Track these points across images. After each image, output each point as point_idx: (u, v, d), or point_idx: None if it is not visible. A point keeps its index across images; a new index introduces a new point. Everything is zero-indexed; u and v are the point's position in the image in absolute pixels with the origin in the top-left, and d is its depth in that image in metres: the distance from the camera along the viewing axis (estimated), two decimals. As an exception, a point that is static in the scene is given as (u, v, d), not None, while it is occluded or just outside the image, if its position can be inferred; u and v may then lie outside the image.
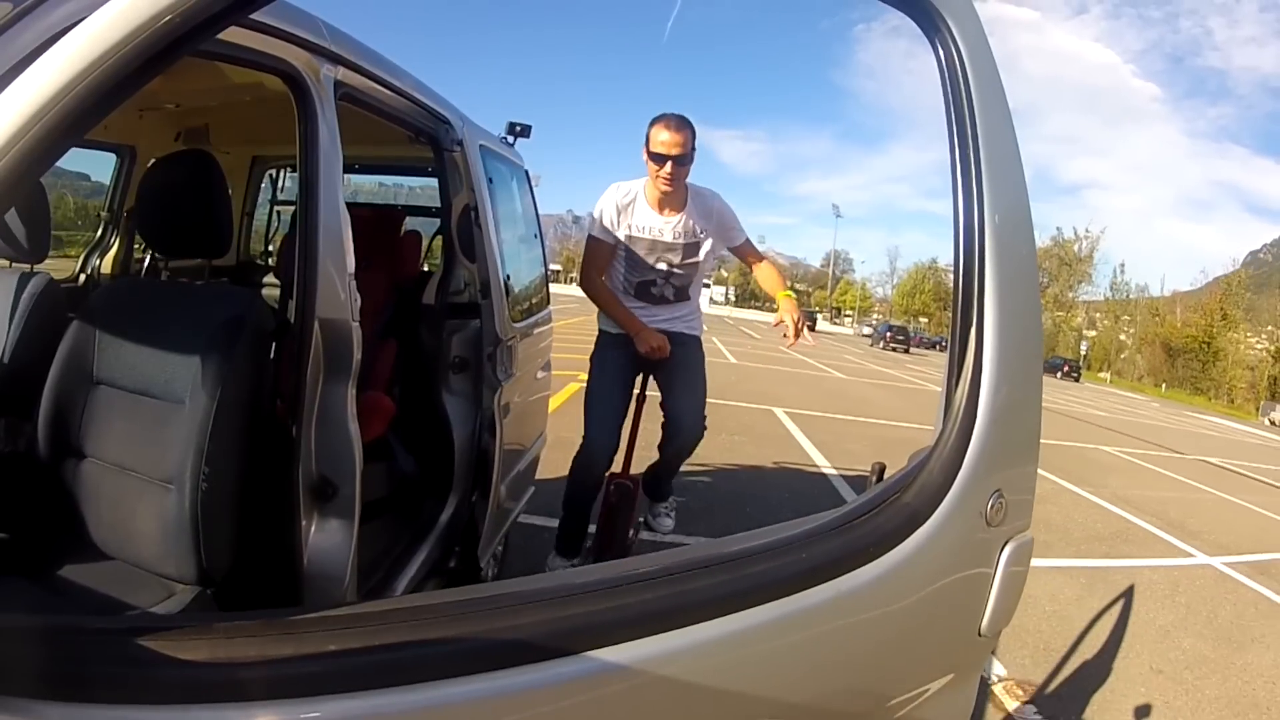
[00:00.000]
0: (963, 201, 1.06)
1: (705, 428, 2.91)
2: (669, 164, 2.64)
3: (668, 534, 3.35)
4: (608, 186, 2.81)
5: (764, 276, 2.97)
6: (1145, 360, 55.51)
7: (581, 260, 2.93)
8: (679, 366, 2.86)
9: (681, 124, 2.64)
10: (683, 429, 2.85)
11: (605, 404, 2.84)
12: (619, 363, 2.85)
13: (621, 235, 2.80)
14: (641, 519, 3.21)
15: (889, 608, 1.01)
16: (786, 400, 10.67)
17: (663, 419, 2.90)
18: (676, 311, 2.90)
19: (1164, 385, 51.02)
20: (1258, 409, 39.37)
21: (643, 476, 3.08)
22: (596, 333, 2.95)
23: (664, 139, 2.63)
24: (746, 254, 3.02)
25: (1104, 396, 31.82)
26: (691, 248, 2.83)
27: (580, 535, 2.99)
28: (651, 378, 2.93)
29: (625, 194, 2.79)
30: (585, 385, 2.90)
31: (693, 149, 2.67)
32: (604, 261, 2.85)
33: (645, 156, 2.69)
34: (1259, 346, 48.68)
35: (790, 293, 2.75)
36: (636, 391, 2.94)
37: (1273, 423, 30.22)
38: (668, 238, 2.79)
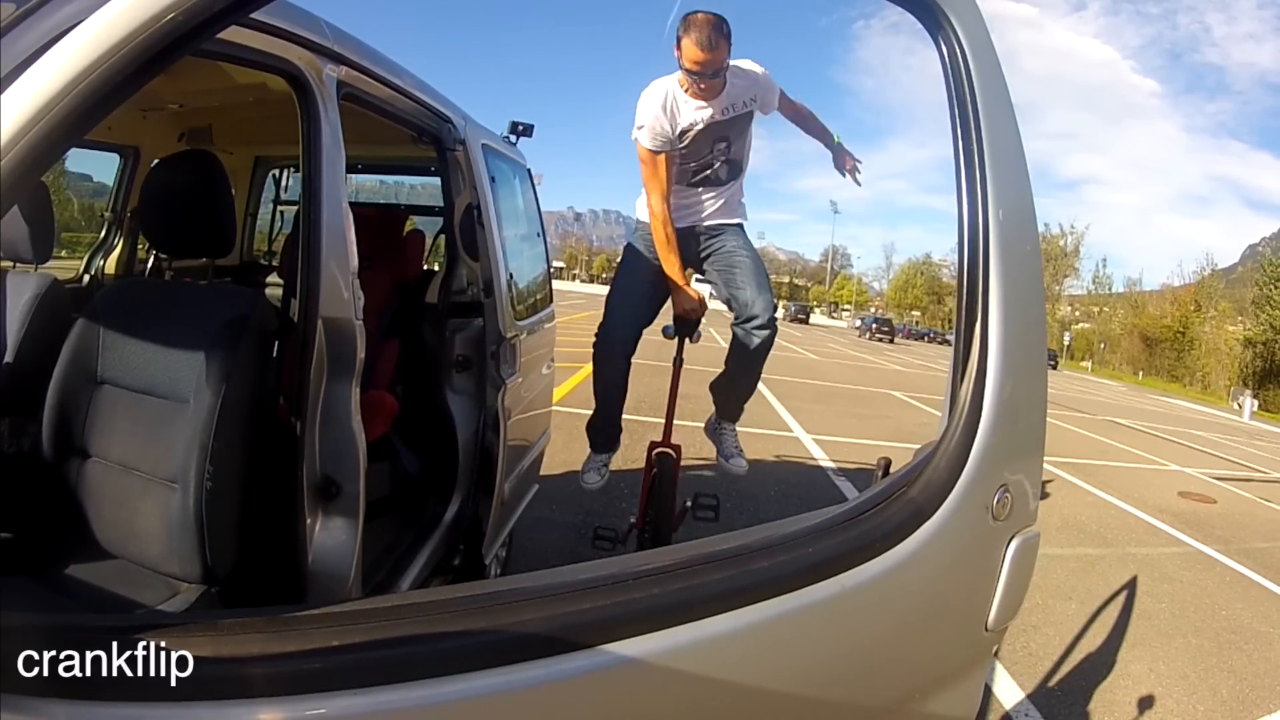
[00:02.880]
0: (966, 197, 1.06)
1: (776, 323, 2.77)
2: (703, 81, 2.53)
3: (742, 473, 3.06)
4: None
5: (810, 127, 2.88)
6: (1125, 349, 56.18)
7: (644, 180, 2.76)
8: (732, 262, 2.78)
9: (715, 39, 2.47)
10: (749, 316, 2.71)
11: (628, 293, 2.76)
12: (650, 270, 2.76)
13: (675, 134, 2.67)
14: (688, 503, 3.02)
15: (895, 603, 1.01)
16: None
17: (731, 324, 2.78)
18: (724, 194, 2.80)
19: (1140, 373, 51.54)
20: (1228, 394, 39.56)
21: (711, 385, 2.97)
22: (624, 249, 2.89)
23: (697, 56, 2.47)
24: (787, 108, 2.83)
25: (1072, 381, 32.49)
26: (745, 117, 2.71)
27: (612, 426, 2.90)
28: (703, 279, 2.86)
29: (664, 94, 2.65)
30: (610, 283, 2.85)
31: (729, 53, 2.51)
32: (667, 173, 2.72)
33: (678, 62, 2.55)
34: (1237, 337, 49.18)
35: (840, 141, 2.79)
36: (674, 355, 2.86)
37: (1239, 406, 30.17)
38: (721, 117, 2.65)
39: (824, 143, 2.86)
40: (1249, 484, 9.93)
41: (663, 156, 2.68)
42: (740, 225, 2.86)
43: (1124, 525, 6.50)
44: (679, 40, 2.52)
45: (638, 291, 2.77)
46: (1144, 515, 6.89)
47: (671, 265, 2.72)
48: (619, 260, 2.90)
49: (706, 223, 2.80)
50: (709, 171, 2.75)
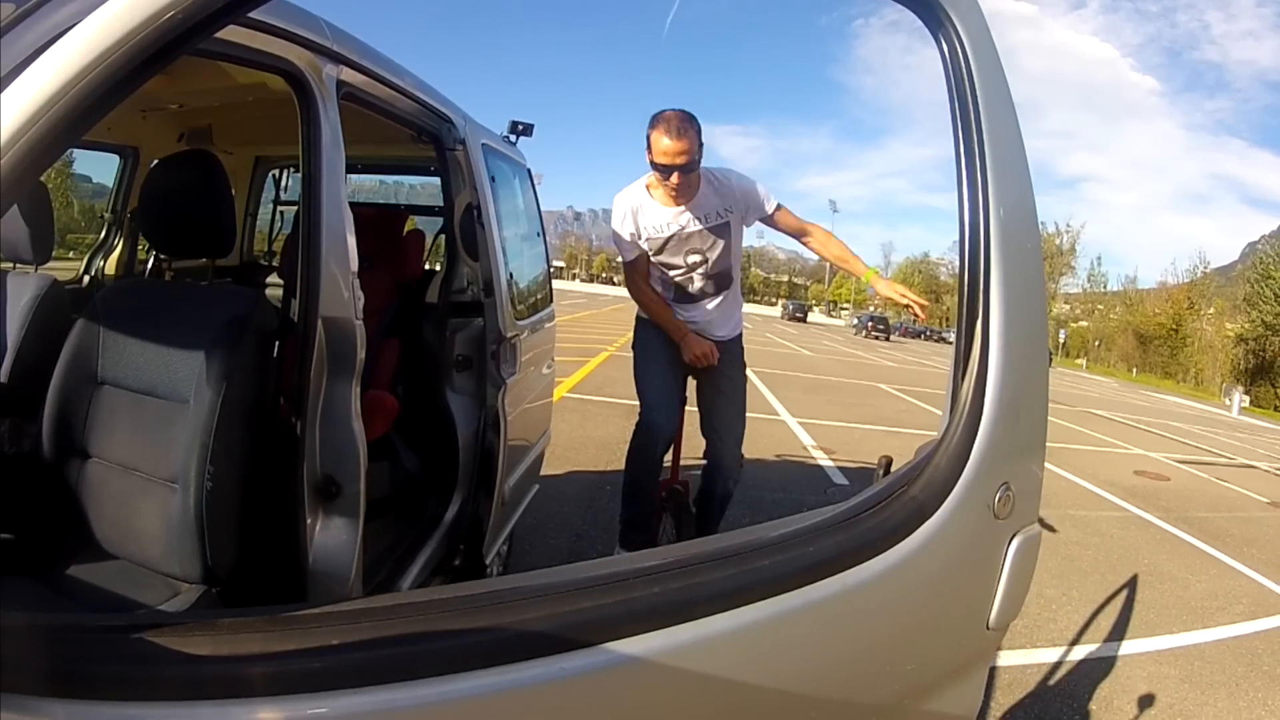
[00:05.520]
0: (968, 196, 1.06)
1: (743, 466, 2.78)
2: (675, 174, 2.47)
3: None
4: (612, 191, 2.66)
5: (829, 250, 2.69)
6: (1119, 347, 56.86)
7: (624, 272, 2.80)
8: (719, 383, 2.76)
9: (684, 128, 2.42)
10: (721, 473, 2.74)
11: (657, 378, 2.71)
12: (664, 340, 2.74)
13: (644, 243, 2.66)
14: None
15: (896, 601, 1.01)
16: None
17: (704, 450, 2.79)
18: (718, 308, 2.76)
19: (1134, 370, 51.96)
20: (1220, 390, 39.73)
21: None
22: (635, 318, 2.87)
23: (665, 147, 2.42)
24: (786, 224, 2.68)
25: (1064, 377, 32.83)
26: (720, 229, 2.64)
27: (648, 524, 2.77)
28: (691, 379, 2.83)
29: (632, 201, 2.64)
30: (633, 369, 2.81)
31: (699, 149, 2.46)
32: (640, 269, 2.72)
33: (649, 161, 2.50)
34: (1228, 334, 49.48)
35: (876, 270, 2.56)
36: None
37: (1229, 402, 30.45)
38: (691, 228, 2.61)
39: (849, 271, 2.70)
40: (1210, 467, 10.28)
41: (636, 260, 2.70)
42: (738, 338, 2.86)
43: (1071, 494, 6.84)
44: (648, 140, 2.48)
45: (662, 365, 2.74)
46: (1093, 487, 7.26)
47: (664, 322, 2.73)
48: (633, 338, 2.87)
49: (704, 333, 2.77)
50: (690, 289, 2.73)
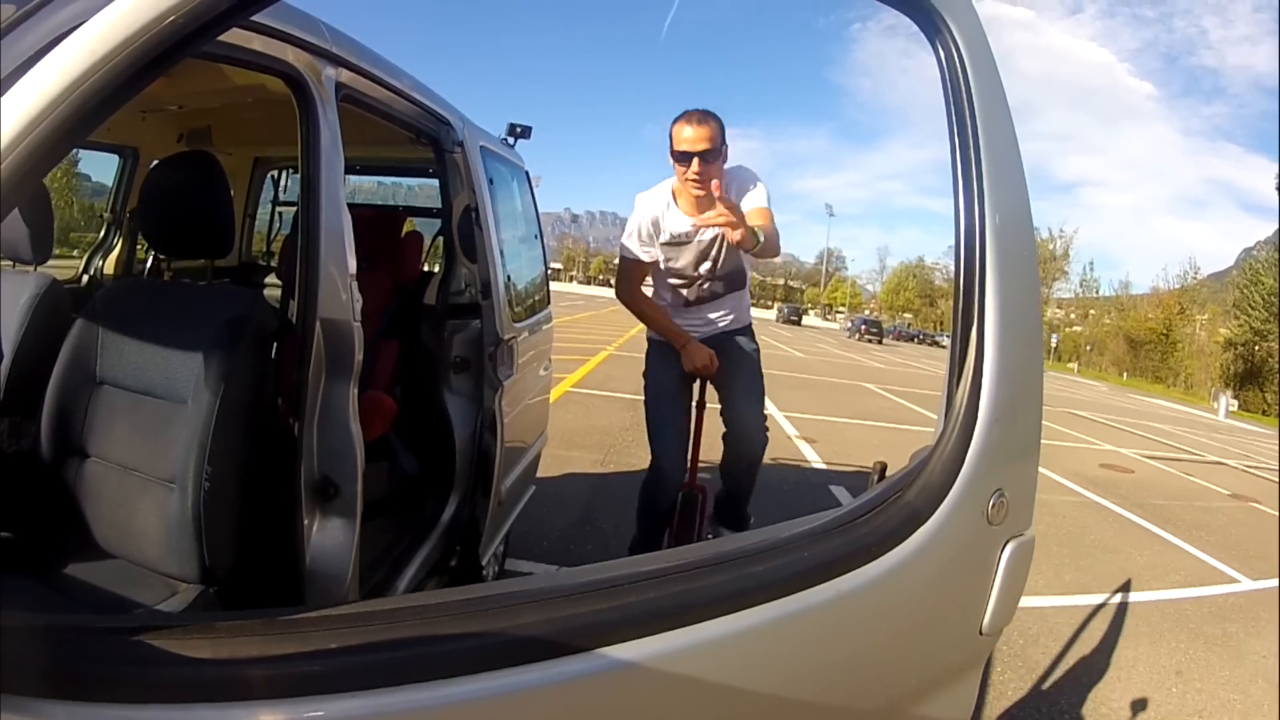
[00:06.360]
0: (963, 201, 1.06)
1: (767, 438, 2.76)
2: (695, 160, 2.44)
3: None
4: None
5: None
6: (1111, 351, 57.32)
7: (617, 274, 2.77)
8: (734, 370, 2.73)
9: (705, 117, 2.44)
10: (744, 439, 2.70)
11: (670, 423, 2.71)
12: (674, 370, 2.71)
13: (660, 249, 2.65)
14: (710, 534, 2.98)
15: (890, 607, 1.01)
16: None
17: (723, 430, 2.76)
18: (728, 305, 2.75)
19: (1125, 374, 52.19)
20: (1210, 395, 39.80)
21: (715, 506, 2.92)
22: (645, 343, 2.84)
23: (687, 135, 2.44)
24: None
25: (1054, 380, 32.97)
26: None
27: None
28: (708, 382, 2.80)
29: (657, 203, 2.63)
30: (644, 400, 2.78)
31: (722, 142, 2.47)
32: (642, 276, 2.71)
33: (671, 160, 2.51)
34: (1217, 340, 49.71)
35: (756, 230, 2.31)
36: (695, 399, 2.82)
37: (1217, 406, 30.73)
38: (704, 236, 2.60)
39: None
40: (1177, 462, 10.54)
41: (639, 264, 2.69)
42: (748, 326, 2.84)
43: (1033, 482, 7.21)
44: (670, 136, 2.49)
45: (675, 405, 2.73)
46: (1057, 476, 7.54)
47: (664, 328, 2.71)
48: (644, 367, 2.83)
49: (713, 332, 2.76)
50: (704, 289, 2.72)
